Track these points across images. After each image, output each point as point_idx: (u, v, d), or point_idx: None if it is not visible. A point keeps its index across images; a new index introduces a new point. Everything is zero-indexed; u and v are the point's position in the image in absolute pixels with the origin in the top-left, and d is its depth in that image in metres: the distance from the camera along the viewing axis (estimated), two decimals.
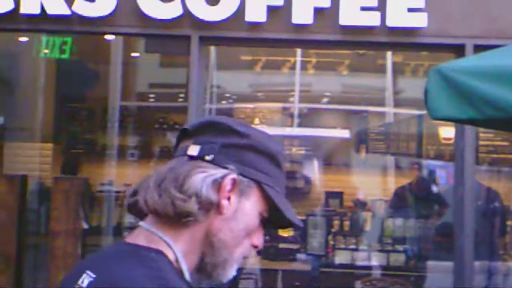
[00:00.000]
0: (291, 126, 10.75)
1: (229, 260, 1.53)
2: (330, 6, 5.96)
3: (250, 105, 10.70)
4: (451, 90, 3.74)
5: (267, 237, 8.57)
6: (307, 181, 10.49)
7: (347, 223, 8.28)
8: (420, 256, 8.06)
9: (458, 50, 5.95)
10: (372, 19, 5.96)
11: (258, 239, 1.59)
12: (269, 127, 10.38)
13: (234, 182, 1.51)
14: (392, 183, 9.87)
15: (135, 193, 1.55)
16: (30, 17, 5.98)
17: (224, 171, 1.51)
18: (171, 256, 1.48)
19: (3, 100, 9.02)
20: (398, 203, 8.84)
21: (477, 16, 6.04)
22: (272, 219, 1.60)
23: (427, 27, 5.96)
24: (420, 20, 5.94)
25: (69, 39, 6.53)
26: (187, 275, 1.49)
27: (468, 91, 3.68)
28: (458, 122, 4.65)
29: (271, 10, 5.98)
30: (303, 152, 10.71)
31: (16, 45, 7.78)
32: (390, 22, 5.96)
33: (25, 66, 8.43)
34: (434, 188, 9.24)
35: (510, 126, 4.55)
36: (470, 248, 5.98)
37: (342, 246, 7.95)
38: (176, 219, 1.48)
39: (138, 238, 1.51)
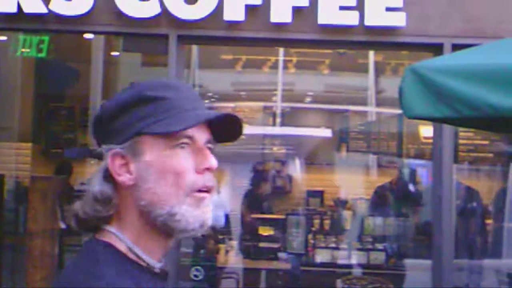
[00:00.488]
0: (273, 125, 10.75)
1: (177, 209, 1.46)
2: (309, 5, 5.96)
3: (232, 104, 10.69)
4: (426, 89, 3.76)
5: (247, 237, 8.57)
6: (288, 180, 10.49)
7: (327, 222, 8.29)
8: (400, 254, 8.09)
9: (436, 50, 5.97)
10: (351, 19, 5.97)
11: (205, 162, 1.51)
12: (250, 126, 10.37)
13: (115, 156, 1.49)
14: (373, 182, 9.89)
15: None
16: (6, 15, 5.94)
17: (105, 156, 1.50)
18: (122, 247, 1.48)
19: None
20: (378, 202, 8.87)
21: (455, 16, 6.07)
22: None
23: (406, 26, 5.98)
24: (398, 20, 5.96)
25: (46, 38, 6.48)
26: (147, 259, 1.49)
27: (443, 90, 3.70)
28: (433, 120, 4.67)
29: (250, 9, 5.97)
30: (284, 151, 10.72)
31: None
32: (368, 22, 5.97)
33: (3, 65, 8.36)
34: (412, 187, 9.26)
35: (485, 125, 4.58)
36: (449, 246, 6.01)
37: (323, 244, 7.95)
38: (104, 221, 1.50)
39: (98, 232, 1.52)
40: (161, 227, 1.49)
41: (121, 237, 1.48)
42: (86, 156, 1.63)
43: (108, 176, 1.50)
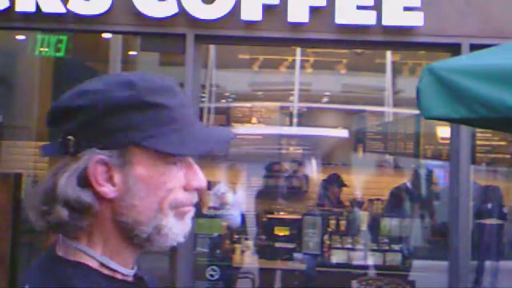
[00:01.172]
0: (290, 125, 10.75)
1: (163, 223, 1.35)
2: (326, 5, 5.96)
3: (248, 104, 10.70)
4: (443, 89, 3.74)
5: (263, 237, 8.57)
6: (305, 180, 10.48)
7: (343, 222, 8.26)
8: (416, 255, 8.06)
9: (454, 49, 5.94)
10: (368, 18, 5.96)
11: (195, 182, 1.40)
12: (267, 126, 10.38)
13: (97, 164, 1.31)
14: (390, 182, 9.86)
15: None
16: (25, 15, 5.98)
17: (85, 159, 1.31)
18: (93, 264, 1.34)
19: (1, 98, 9.01)
20: (395, 202, 8.84)
21: (473, 16, 6.03)
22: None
23: (423, 26, 5.96)
24: (416, 19, 5.94)
25: (64, 37, 6.52)
26: (122, 270, 1.37)
27: (460, 90, 3.68)
28: (450, 121, 4.64)
29: (267, 8, 5.97)
30: (301, 151, 10.71)
31: (13, 43, 7.77)
32: (386, 21, 5.96)
33: (22, 64, 8.43)
34: (429, 188, 9.23)
35: (503, 125, 4.55)
36: (465, 247, 5.98)
37: (339, 245, 7.93)
38: (71, 228, 1.33)
39: (59, 248, 1.37)
40: (142, 241, 1.37)
41: (91, 254, 1.34)
42: (64, 154, 1.37)
43: (84, 182, 1.32)
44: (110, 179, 1.33)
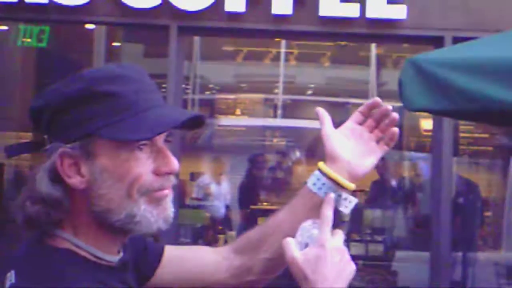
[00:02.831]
0: (274, 117, 10.76)
1: (135, 211, 1.36)
2: None
3: (232, 96, 10.70)
4: (425, 81, 3.77)
5: (246, 228, 8.59)
6: (288, 172, 10.50)
7: None
8: (398, 246, 8.11)
9: (437, 42, 5.97)
10: (352, 11, 5.98)
11: (164, 166, 1.39)
12: (251, 118, 10.38)
13: (63, 156, 1.34)
14: (373, 174, 9.89)
15: None
16: (7, 5, 5.94)
17: (53, 155, 1.35)
18: (80, 251, 1.37)
19: None
20: (377, 194, 8.87)
21: (456, 9, 6.06)
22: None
23: (407, 19, 5.99)
24: (399, 12, 5.97)
25: (47, 28, 6.48)
26: (106, 257, 1.40)
27: (442, 82, 3.71)
28: (432, 113, 4.68)
29: (251, 0, 5.97)
30: (285, 143, 10.73)
31: None
32: (369, 14, 5.98)
33: (4, 54, 8.37)
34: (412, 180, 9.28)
35: (484, 118, 4.59)
36: (447, 239, 6.02)
37: None
38: (46, 222, 1.36)
39: (46, 237, 1.39)
40: (119, 229, 1.38)
41: (75, 243, 1.37)
42: (29, 152, 1.43)
43: (55, 177, 1.35)
44: (77, 171, 1.35)
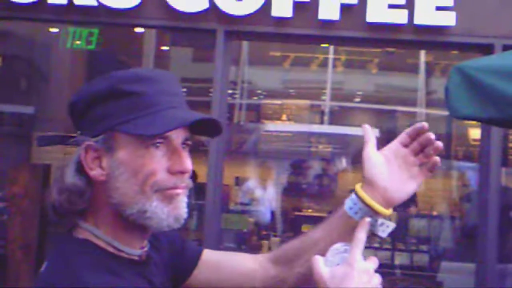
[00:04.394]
0: (320, 123, 10.72)
1: (147, 207, 1.42)
2: (358, 2, 5.92)
3: (279, 101, 10.69)
4: (471, 89, 3.70)
5: (291, 234, 8.56)
6: (334, 178, 10.45)
7: None
8: (445, 256, 7.99)
9: (487, 50, 5.86)
10: (400, 17, 5.91)
11: (178, 165, 1.45)
12: (297, 123, 10.37)
13: (88, 149, 1.45)
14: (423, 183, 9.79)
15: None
16: (57, 7, 6.04)
17: (78, 148, 1.47)
18: (100, 242, 1.45)
19: (34, 90, 9.12)
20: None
21: (507, 16, 5.95)
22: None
23: (456, 26, 5.89)
24: (448, 19, 5.88)
25: (95, 30, 6.56)
26: (127, 249, 1.47)
27: (489, 90, 3.64)
28: (479, 121, 4.58)
29: (298, 5, 5.96)
30: (330, 149, 10.68)
31: (46, 36, 7.86)
32: (418, 20, 5.90)
33: (55, 56, 8.52)
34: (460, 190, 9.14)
35: None
36: (493, 250, 5.90)
37: (366, 244, 7.86)
38: (76, 213, 1.47)
39: (74, 228, 1.49)
40: (133, 223, 1.45)
41: (97, 234, 1.46)
42: (59, 144, 1.55)
43: (80, 169, 1.46)
44: (100, 164, 1.45)
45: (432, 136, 1.56)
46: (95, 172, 1.45)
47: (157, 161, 1.44)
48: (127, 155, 1.43)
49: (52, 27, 7.42)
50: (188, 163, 1.47)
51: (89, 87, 1.49)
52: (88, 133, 1.46)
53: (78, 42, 6.63)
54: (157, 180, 1.43)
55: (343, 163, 10.61)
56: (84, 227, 1.47)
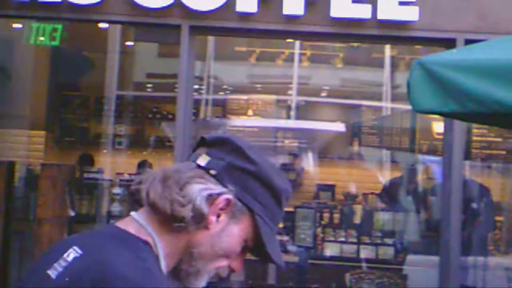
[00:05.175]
0: (286, 118, 10.73)
1: (202, 272, 1.57)
2: None
3: (245, 97, 10.68)
4: (433, 83, 3.74)
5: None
6: (299, 173, 10.48)
7: (337, 215, 8.27)
8: (410, 249, 8.06)
9: (449, 44, 5.92)
10: (364, 12, 5.95)
11: (237, 264, 1.62)
12: (263, 118, 10.37)
13: (228, 203, 1.55)
14: (384, 177, 9.86)
15: (140, 182, 1.59)
16: (20, 3, 5.97)
17: (222, 189, 1.54)
18: (155, 252, 1.53)
19: None
20: (388, 196, 8.84)
21: (469, 11, 6.03)
22: (256, 249, 1.64)
23: (418, 20, 5.95)
24: (411, 14, 5.94)
25: (59, 26, 6.49)
26: (164, 269, 1.55)
27: (450, 84, 3.67)
28: (441, 115, 4.64)
29: (262, 0, 5.97)
30: (297, 144, 10.70)
31: (10, 32, 7.75)
32: (381, 15, 5.95)
33: (18, 52, 8.40)
34: (424, 183, 9.23)
35: (494, 120, 4.55)
36: (457, 243, 5.98)
37: (332, 238, 7.94)
38: (167, 220, 1.53)
39: (128, 226, 1.55)
40: (183, 269, 1.59)
41: (157, 245, 1.54)
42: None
43: (208, 202, 1.54)
44: (218, 216, 1.57)
45: None
46: (214, 220, 1.56)
47: (238, 247, 1.61)
48: (237, 234, 1.58)
49: (15, 23, 7.32)
50: (240, 267, 1.65)
51: (273, 173, 1.61)
52: (234, 188, 1.56)
53: (41, 38, 6.55)
54: (222, 265, 1.61)
55: (309, 156, 10.66)
56: (148, 230, 1.54)
